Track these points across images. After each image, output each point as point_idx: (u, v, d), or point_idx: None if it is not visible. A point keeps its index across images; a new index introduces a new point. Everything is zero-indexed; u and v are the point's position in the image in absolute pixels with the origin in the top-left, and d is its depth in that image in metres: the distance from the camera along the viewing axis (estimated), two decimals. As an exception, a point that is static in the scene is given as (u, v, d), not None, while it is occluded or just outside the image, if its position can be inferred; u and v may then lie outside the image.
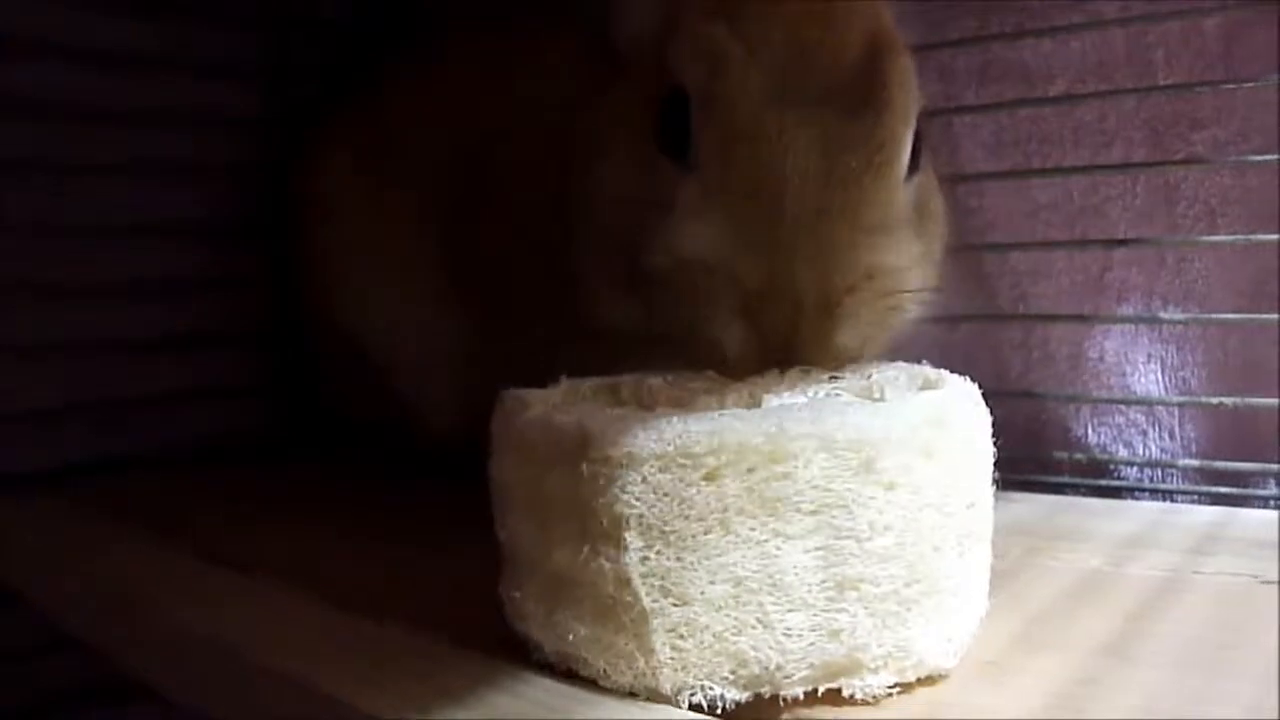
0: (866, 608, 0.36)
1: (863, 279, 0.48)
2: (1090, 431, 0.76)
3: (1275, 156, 0.67)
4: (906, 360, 0.48)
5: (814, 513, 0.35)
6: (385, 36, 0.91)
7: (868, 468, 0.35)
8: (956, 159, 0.79)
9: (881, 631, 0.36)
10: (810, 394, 0.43)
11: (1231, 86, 0.69)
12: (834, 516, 0.35)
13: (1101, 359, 0.76)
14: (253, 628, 0.48)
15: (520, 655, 0.41)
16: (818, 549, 0.35)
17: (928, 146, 0.55)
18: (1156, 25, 0.72)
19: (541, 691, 0.38)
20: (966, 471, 0.38)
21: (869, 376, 0.45)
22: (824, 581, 0.35)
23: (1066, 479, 0.75)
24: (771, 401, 0.42)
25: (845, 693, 0.36)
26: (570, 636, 0.38)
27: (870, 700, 0.37)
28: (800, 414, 0.36)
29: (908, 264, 0.50)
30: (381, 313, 0.77)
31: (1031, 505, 0.66)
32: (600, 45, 0.60)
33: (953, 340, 0.77)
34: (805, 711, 0.36)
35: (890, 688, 0.37)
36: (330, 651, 0.44)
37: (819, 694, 0.36)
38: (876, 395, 0.43)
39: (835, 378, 0.45)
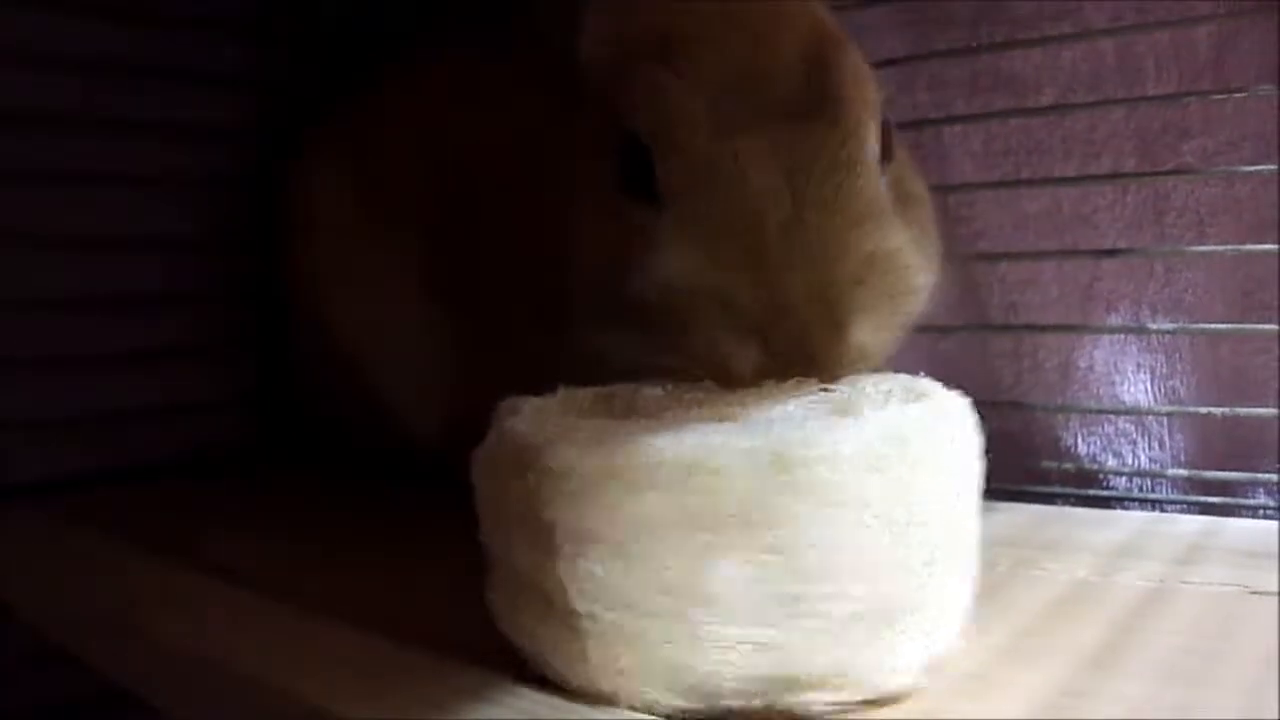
0: (801, 624, 0.35)
1: (864, 269, 0.47)
2: (1079, 441, 0.76)
3: (1265, 167, 0.67)
4: (898, 372, 0.48)
5: (744, 526, 0.35)
6: (378, 48, 0.91)
7: (800, 483, 0.35)
8: (946, 169, 0.79)
9: (821, 649, 0.36)
10: (782, 408, 0.43)
11: (1221, 97, 0.70)
12: (765, 531, 0.35)
13: (1091, 369, 0.76)
14: (242, 640, 0.48)
15: (509, 666, 0.41)
16: (748, 562, 0.35)
17: (897, 133, 0.55)
18: (1146, 35, 0.72)
19: (529, 703, 0.38)
20: (928, 488, 0.37)
21: (863, 390, 0.45)
22: (757, 596, 0.35)
23: (1055, 489, 0.75)
24: (745, 416, 0.42)
25: (781, 708, 0.36)
26: (532, 639, 0.39)
27: (841, 713, 0.37)
28: (734, 428, 0.37)
29: (901, 245, 0.50)
30: (372, 328, 0.77)
31: (1020, 515, 0.66)
32: (567, 73, 0.60)
33: (941, 350, 0.77)
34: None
35: (848, 704, 0.37)
36: (319, 664, 0.44)
37: (770, 709, 0.36)
38: (853, 410, 0.43)
39: (825, 389, 0.45)
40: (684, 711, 0.36)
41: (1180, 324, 0.72)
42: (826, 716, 0.37)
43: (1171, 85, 0.72)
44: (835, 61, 0.51)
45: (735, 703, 0.36)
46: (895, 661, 0.37)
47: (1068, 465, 0.75)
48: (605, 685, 0.37)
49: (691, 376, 0.48)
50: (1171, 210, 0.72)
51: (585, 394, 0.47)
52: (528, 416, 0.42)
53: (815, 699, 0.36)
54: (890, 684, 0.37)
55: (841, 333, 0.46)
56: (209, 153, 0.93)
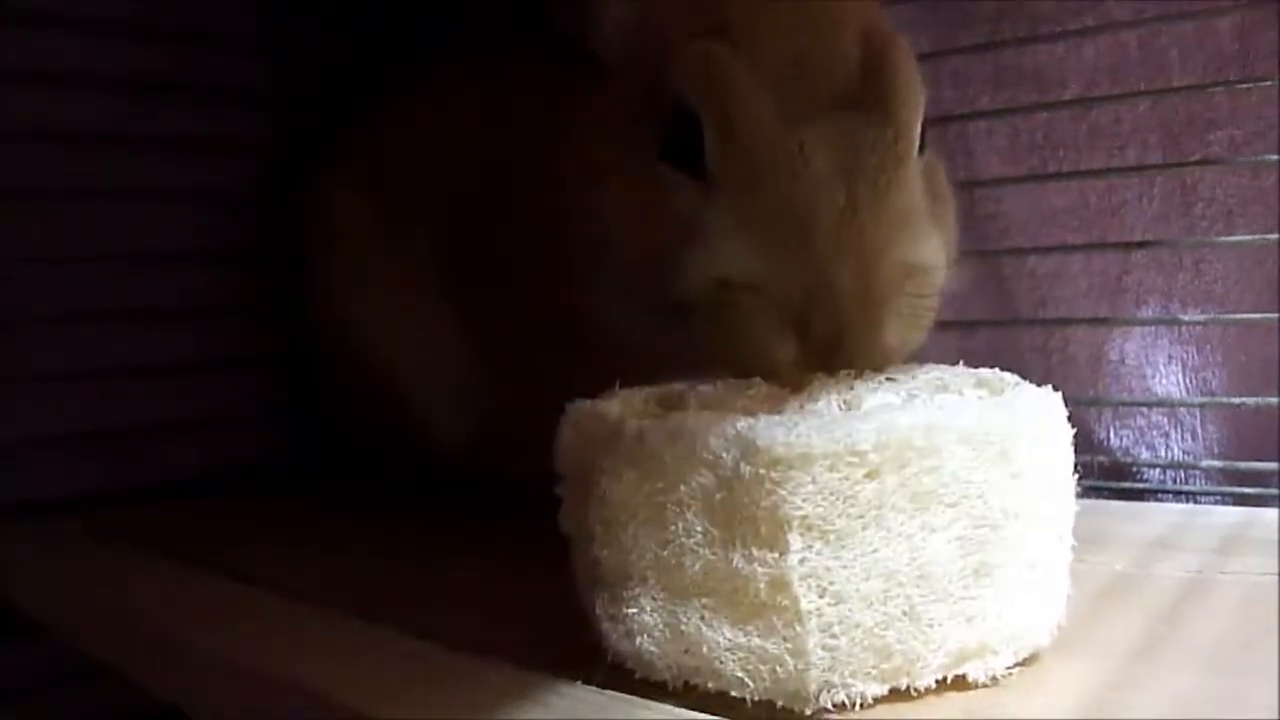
0: (997, 592, 0.37)
1: (904, 271, 0.48)
2: (1112, 434, 0.76)
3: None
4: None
5: (954, 504, 0.36)
6: (393, 56, 0.91)
7: (1003, 457, 0.37)
8: (972, 164, 0.79)
9: (1009, 614, 0.37)
10: (899, 394, 0.44)
11: (1246, 86, 0.69)
12: (972, 506, 0.36)
13: (1122, 361, 0.75)
14: (280, 647, 0.48)
15: (547, 667, 0.41)
16: (957, 539, 0.36)
17: (929, 128, 0.55)
18: (1169, 26, 0.72)
19: (571, 701, 0.38)
20: (1066, 459, 0.40)
21: (921, 377, 0.46)
22: (963, 570, 0.36)
23: (1089, 482, 0.74)
24: (869, 402, 0.43)
25: (970, 677, 0.37)
26: (703, 647, 0.37)
27: (917, 695, 0.37)
28: (941, 410, 0.38)
29: (937, 257, 0.51)
30: (396, 337, 0.77)
31: (1055, 509, 0.66)
32: (574, 56, 0.60)
33: (972, 345, 0.77)
34: (835, 716, 0.36)
35: (1011, 669, 0.38)
36: (359, 668, 0.44)
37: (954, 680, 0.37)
38: (954, 391, 0.44)
39: (890, 379, 0.45)
40: (875, 698, 0.36)
41: (1211, 315, 0.72)
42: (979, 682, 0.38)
43: (1196, 76, 0.72)
44: (890, 57, 0.51)
45: (930, 680, 0.37)
46: (1047, 621, 0.39)
47: (1100, 459, 0.75)
48: (811, 683, 0.36)
49: (737, 373, 0.48)
50: (1199, 201, 0.72)
51: (642, 394, 0.46)
52: (642, 414, 0.41)
53: (997, 664, 0.37)
54: (1043, 642, 0.39)
55: (879, 330, 0.47)
56: (235, 166, 0.93)
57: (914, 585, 0.36)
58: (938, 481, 0.36)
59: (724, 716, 0.36)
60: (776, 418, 0.37)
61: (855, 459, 0.35)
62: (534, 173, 0.63)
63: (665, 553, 0.38)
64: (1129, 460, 0.75)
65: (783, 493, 0.35)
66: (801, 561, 0.35)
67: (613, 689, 0.39)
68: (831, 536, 0.35)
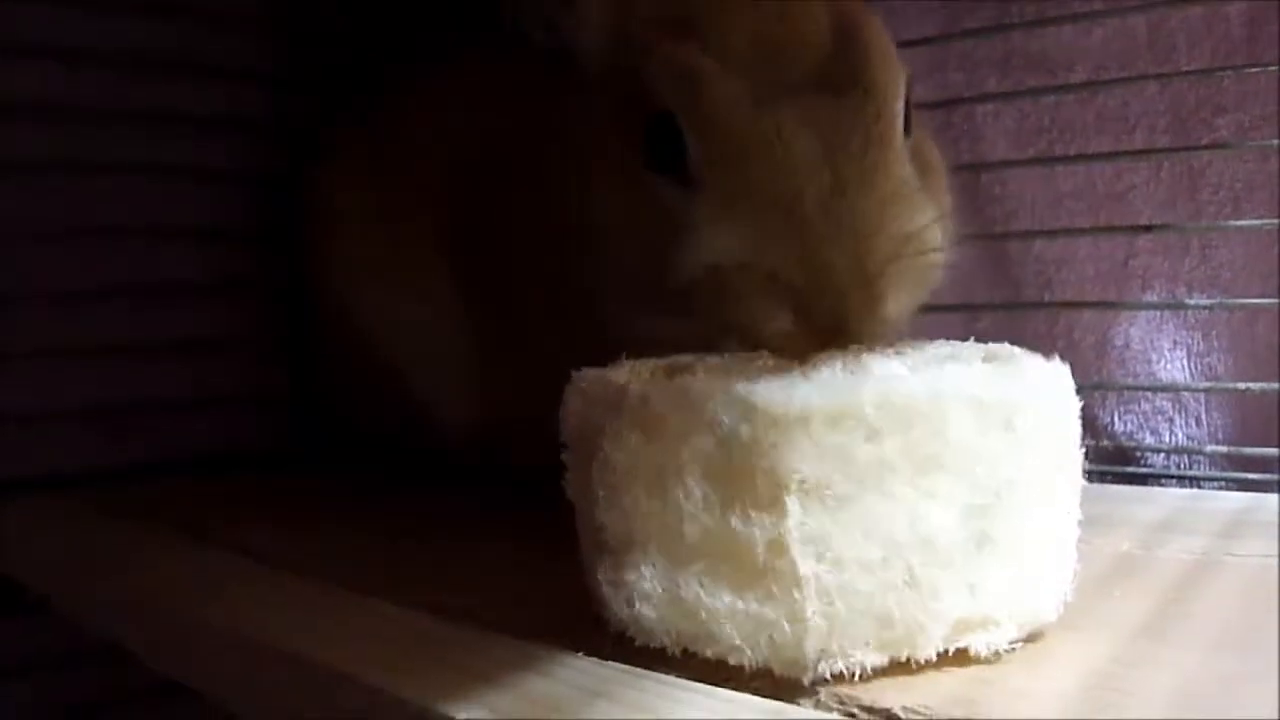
0: (1001, 563, 0.36)
1: (899, 246, 0.48)
2: (1116, 419, 0.76)
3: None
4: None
5: (957, 471, 0.35)
6: (401, 45, 0.91)
7: (1007, 425, 0.36)
8: (979, 147, 0.79)
9: (1013, 586, 0.37)
10: (906, 364, 0.44)
11: (1255, 71, 0.69)
12: (977, 474, 0.36)
13: (1127, 346, 0.75)
14: (283, 621, 0.48)
15: (549, 639, 0.41)
16: (960, 506, 0.36)
17: (912, 103, 0.55)
18: (1178, 11, 0.72)
19: (573, 672, 0.38)
20: (1074, 432, 0.40)
21: (930, 350, 0.46)
22: (966, 538, 0.36)
23: (1093, 466, 0.74)
24: (876, 369, 0.43)
25: (973, 650, 0.37)
26: (701, 613, 0.37)
27: (918, 667, 0.37)
28: (946, 374, 0.37)
29: (929, 224, 0.50)
30: (396, 329, 0.77)
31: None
32: (548, 58, 0.60)
33: (977, 329, 0.76)
34: (843, 689, 0.36)
35: (1014, 643, 0.37)
36: (362, 642, 0.44)
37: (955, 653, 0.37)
38: (962, 363, 0.44)
39: (899, 353, 0.45)
40: (874, 668, 0.36)
41: (1217, 300, 0.72)
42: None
43: (1204, 60, 0.72)
44: (863, 35, 0.51)
45: (931, 651, 0.36)
46: (1053, 596, 0.39)
47: (1105, 443, 0.75)
48: (809, 650, 0.35)
49: (727, 345, 0.48)
50: (1206, 186, 0.72)
51: (649, 365, 0.46)
52: (651, 380, 0.41)
53: (1000, 637, 0.37)
54: (1050, 618, 0.39)
55: (878, 306, 0.47)
56: (234, 146, 0.93)
57: (915, 552, 0.35)
58: (941, 446, 0.35)
59: (722, 685, 0.36)
60: (777, 379, 0.37)
61: (855, 420, 0.34)
62: (529, 169, 0.63)
63: (666, 517, 0.37)
64: (1133, 445, 0.75)
65: (781, 453, 0.34)
66: (800, 524, 0.34)
67: (614, 658, 0.39)
68: (830, 500, 0.35)
